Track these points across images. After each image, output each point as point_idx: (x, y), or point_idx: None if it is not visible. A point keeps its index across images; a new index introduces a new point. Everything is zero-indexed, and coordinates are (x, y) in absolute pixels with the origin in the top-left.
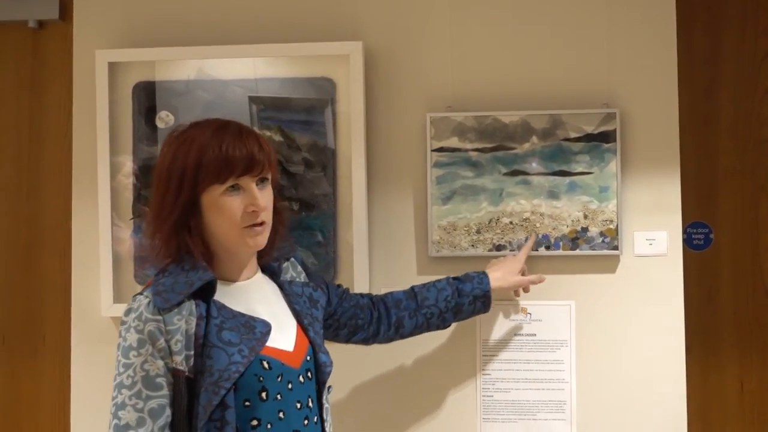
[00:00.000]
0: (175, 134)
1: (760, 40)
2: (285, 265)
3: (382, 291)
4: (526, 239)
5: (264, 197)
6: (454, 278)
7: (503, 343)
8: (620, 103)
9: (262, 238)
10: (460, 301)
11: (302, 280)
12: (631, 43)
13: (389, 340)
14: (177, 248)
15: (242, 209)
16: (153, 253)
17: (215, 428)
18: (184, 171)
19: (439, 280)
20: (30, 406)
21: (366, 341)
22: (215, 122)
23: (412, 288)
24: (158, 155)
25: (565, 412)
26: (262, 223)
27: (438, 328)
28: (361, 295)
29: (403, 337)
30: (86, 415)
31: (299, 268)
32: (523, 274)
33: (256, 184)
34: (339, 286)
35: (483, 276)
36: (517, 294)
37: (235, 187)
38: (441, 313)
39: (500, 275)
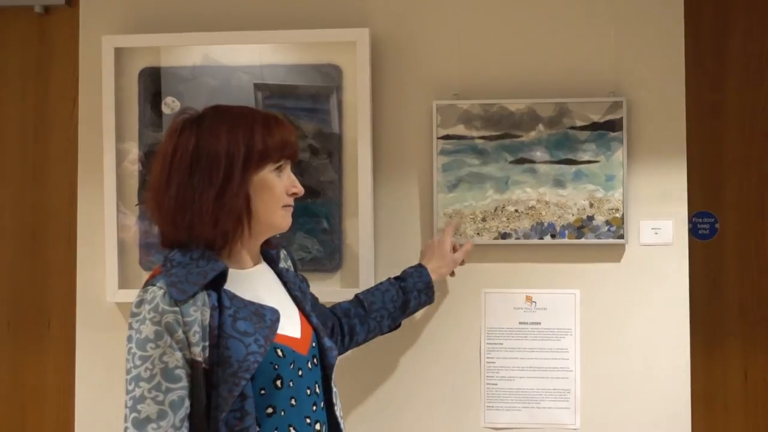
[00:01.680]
0: (200, 121)
1: (767, 30)
2: (281, 252)
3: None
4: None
5: None
6: (395, 278)
7: (507, 332)
8: (627, 92)
9: (291, 219)
10: (405, 298)
11: (292, 270)
12: (638, 32)
13: (345, 350)
14: (223, 233)
15: (284, 190)
16: (180, 237)
17: (235, 419)
18: (247, 151)
19: (381, 283)
20: (35, 390)
21: None
22: (247, 107)
23: (356, 296)
24: (177, 142)
25: (569, 401)
26: (292, 205)
27: (390, 329)
28: (326, 308)
29: (357, 344)
30: (91, 400)
31: (289, 261)
32: (453, 251)
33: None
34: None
35: (421, 269)
36: (451, 274)
37: (280, 168)
38: (390, 314)
39: (436, 264)
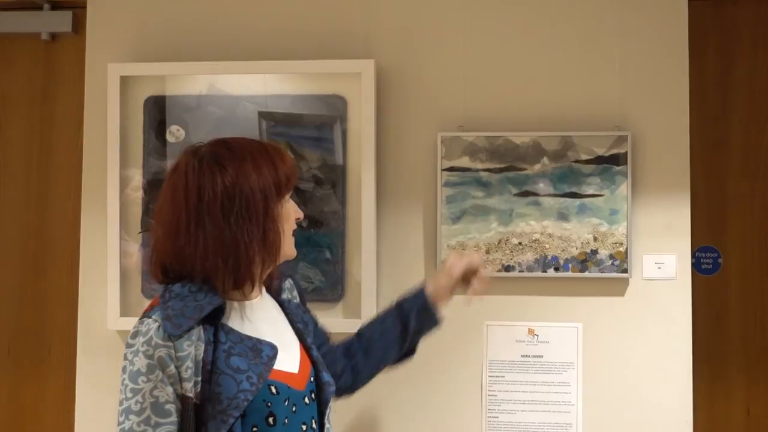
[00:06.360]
0: (217, 158)
1: None
2: (285, 283)
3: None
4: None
5: None
6: (396, 301)
7: (509, 364)
8: (632, 126)
9: None
10: (404, 320)
11: (296, 302)
12: (643, 67)
13: (354, 389)
14: (261, 271)
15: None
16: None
17: None
18: (275, 184)
19: (381, 311)
20: (34, 417)
21: (339, 392)
22: (251, 139)
23: (358, 330)
24: (199, 182)
25: None
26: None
27: (400, 355)
28: (335, 344)
29: (366, 379)
30: (90, 427)
31: (295, 291)
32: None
33: None
34: (323, 327)
35: (420, 287)
36: (468, 285)
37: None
38: (395, 341)
39: (436, 277)
